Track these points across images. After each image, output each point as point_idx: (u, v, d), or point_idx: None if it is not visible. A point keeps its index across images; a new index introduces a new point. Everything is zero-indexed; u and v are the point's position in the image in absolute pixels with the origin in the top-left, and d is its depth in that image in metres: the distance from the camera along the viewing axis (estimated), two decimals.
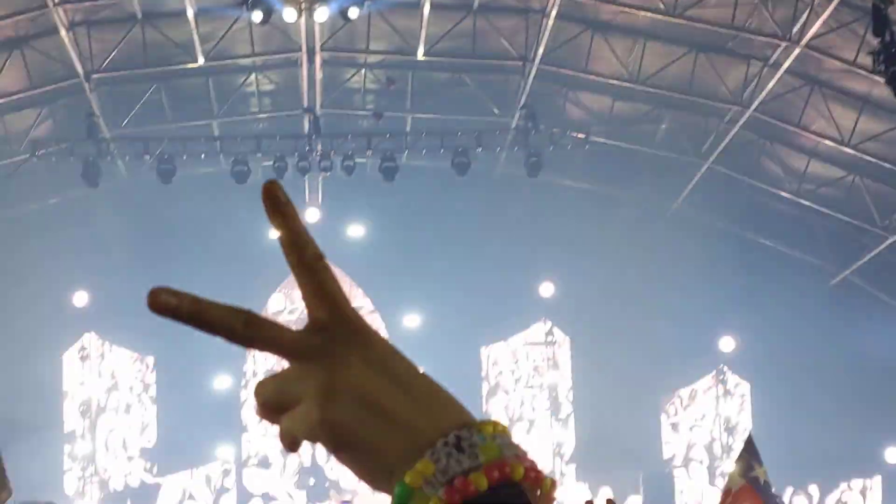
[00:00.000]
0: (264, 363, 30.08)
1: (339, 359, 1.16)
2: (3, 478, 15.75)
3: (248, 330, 1.15)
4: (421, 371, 1.18)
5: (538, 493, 1.13)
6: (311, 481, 29.86)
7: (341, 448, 1.15)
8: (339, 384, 1.15)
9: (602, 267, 28.19)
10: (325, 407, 1.14)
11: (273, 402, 1.17)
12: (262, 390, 1.18)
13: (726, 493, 13.42)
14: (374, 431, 1.14)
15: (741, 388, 30.65)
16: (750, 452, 13.54)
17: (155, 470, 29.85)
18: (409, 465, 1.11)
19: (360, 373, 1.15)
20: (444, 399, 1.17)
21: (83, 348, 29.93)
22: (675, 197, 28.99)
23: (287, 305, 30.19)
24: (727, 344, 30.08)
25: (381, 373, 1.16)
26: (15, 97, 25.60)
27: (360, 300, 30.29)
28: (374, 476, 1.16)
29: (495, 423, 1.14)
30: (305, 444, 1.15)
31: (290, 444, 1.16)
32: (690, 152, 27.63)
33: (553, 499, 1.14)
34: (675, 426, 30.65)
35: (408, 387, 1.16)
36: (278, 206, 1.17)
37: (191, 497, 29.74)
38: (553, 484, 1.14)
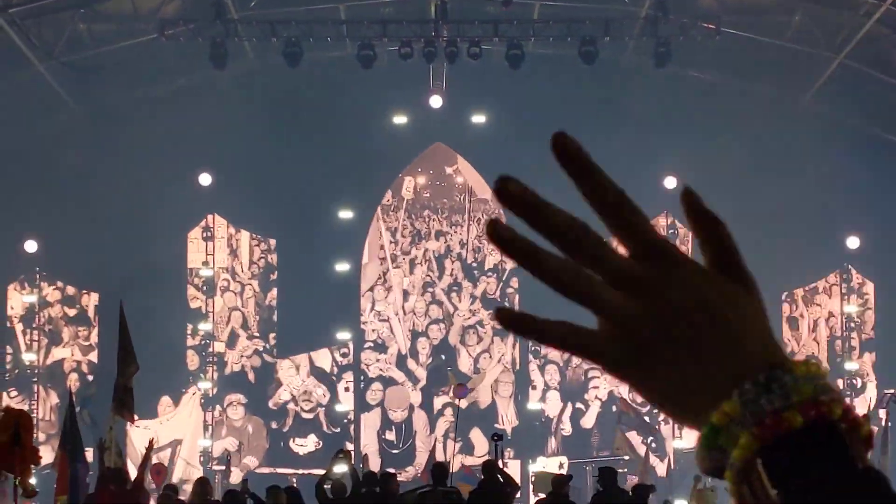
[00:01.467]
0: (381, 250, 30.32)
1: (654, 289, 1.10)
2: (131, 354, 16.29)
3: (584, 240, 1.11)
4: (736, 298, 1.11)
5: (857, 436, 1.06)
6: (432, 361, 30.12)
7: (642, 377, 1.12)
8: (650, 313, 1.10)
9: (728, 160, 27.84)
10: (632, 335, 1.10)
11: (587, 303, 1.12)
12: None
13: None
14: (679, 364, 1.09)
15: (865, 286, 30.29)
16: None
17: (275, 351, 30.31)
18: (713, 401, 1.07)
19: (671, 304, 1.10)
20: (756, 332, 1.11)
21: (207, 228, 30.33)
22: (805, 91, 28.49)
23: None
24: (853, 242, 29.67)
25: (694, 304, 1.10)
26: None
27: (482, 189, 30.34)
28: (674, 406, 1.12)
29: (808, 363, 1.09)
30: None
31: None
32: (823, 45, 27.04)
33: (872, 444, 1.08)
34: (795, 322, 30.39)
35: (718, 319, 1.10)
36: (571, 160, 1.14)
37: (309, 378, 30.17)
38: (871, 433, 1.07)
